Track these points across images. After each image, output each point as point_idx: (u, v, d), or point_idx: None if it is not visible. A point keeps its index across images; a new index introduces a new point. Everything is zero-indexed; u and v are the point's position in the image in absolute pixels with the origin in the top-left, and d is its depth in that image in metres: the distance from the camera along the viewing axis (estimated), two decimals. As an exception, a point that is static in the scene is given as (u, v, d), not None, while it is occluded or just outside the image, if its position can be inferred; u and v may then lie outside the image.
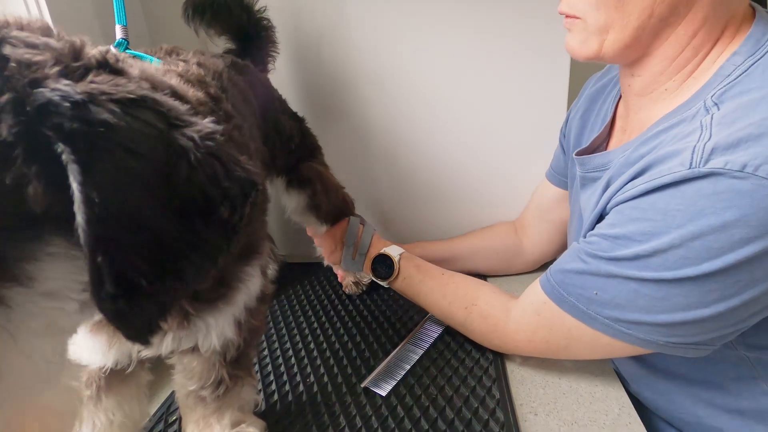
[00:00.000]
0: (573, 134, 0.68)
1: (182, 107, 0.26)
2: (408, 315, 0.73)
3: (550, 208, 0.76)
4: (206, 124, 0.25)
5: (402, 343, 0.66)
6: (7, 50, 0.21)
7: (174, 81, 0.35)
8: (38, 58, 0.22)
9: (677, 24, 0.45)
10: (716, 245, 0.38)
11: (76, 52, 0.24)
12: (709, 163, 0.37)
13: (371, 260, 0.71)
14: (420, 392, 0.57)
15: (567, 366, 0.60)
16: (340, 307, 0.77)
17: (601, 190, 0.51)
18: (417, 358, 0.62)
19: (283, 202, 0.74)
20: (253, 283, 0.42)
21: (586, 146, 0.60)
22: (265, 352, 0.67)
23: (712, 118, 0.40)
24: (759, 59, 0.42)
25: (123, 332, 0.22)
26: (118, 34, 0.49)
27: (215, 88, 0.41)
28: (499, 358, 0.61)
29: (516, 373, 0.60)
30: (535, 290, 0.55)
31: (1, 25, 0.23)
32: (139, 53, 0.47)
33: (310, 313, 0.76)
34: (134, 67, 0.29)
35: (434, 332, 0.67)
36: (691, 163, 0.38)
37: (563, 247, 0.77)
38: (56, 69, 0.22)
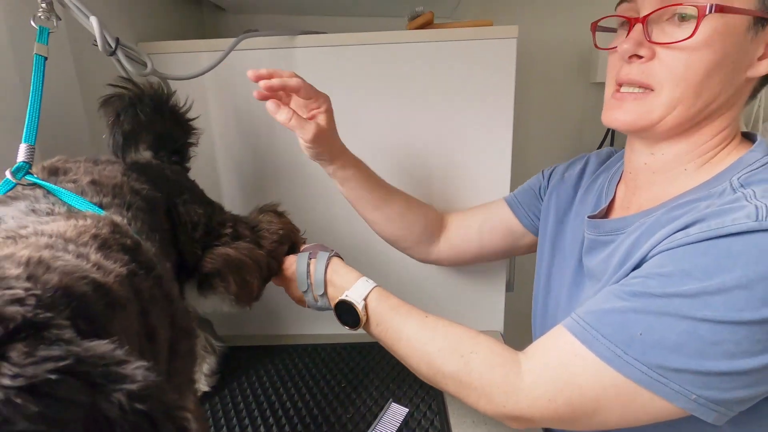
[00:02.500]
0: (557, 192, 0.70)
1: (108, 350, 0.23)
2: (360, 413, 0.70)
3: (494, 230, 0.76)
4: (137, 373, 0.22)
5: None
6: None
7: (93, 256, 0.31)
8: None
9: (721, 116, 0.51)
10: None
11: None
12: None
13: (334, 304, 0.60)
14: None
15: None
16: (288, 404, 0.73)
17: (626, 250, 0.51)
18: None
19: (203, 309, 0.64)
20: None
21: (595, 213, 0.62)
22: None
23: (754, 193, 0.45)
24: None
25: None
26: (21, 155, 0.43)
27: (128, 236, 0.37)
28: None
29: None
30: (558, 338, 0.48)
31: None
32: (46, 183, 0.41)
33: (256, 413, 0.71)
34: (52, 272, 0.26)
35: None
36: (757, 217, 0.42)
37: (468, 261, 0.79)
38: None
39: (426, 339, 0.54)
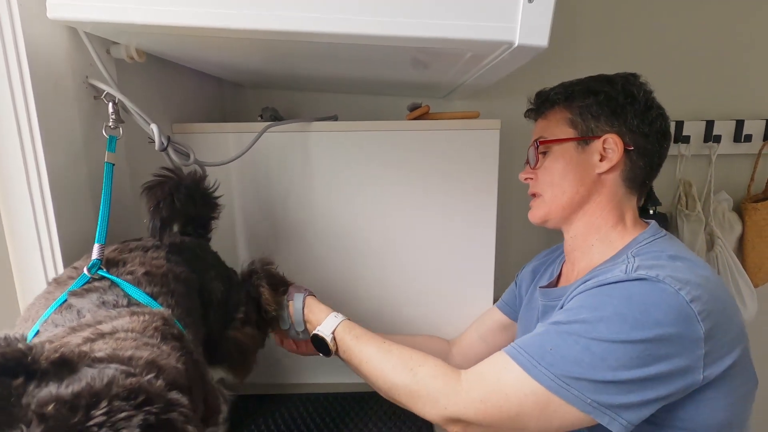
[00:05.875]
0: (525, 282, 0.90)
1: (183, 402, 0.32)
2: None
3: (492, 330, 0.92)
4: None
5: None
6: None
7: (163, 346, 0.41)
8: None
9: (592, 202, 0.73)
10: (641, 320, 0.55)
11: None
12: (637, 272, 0.59)
13: (310, 337, 0.73)
14: None
15: None
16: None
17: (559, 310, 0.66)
18: None
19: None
20: None
21: (545, 284, 0.80)
22: None
23: (634, 258, 0.64)
24: (655, 239, 0.69)
25: None
26: (95, 253, 0.52)
27: (174, 327, 0.46)
28: None
29: None
30: (495, 357, 0.62)
31: None
32: (112, 277, 0.51)
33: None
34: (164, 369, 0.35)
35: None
36: (626, 271, 0.61)
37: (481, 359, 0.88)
38: None
39: (382, 358, 0.67)
